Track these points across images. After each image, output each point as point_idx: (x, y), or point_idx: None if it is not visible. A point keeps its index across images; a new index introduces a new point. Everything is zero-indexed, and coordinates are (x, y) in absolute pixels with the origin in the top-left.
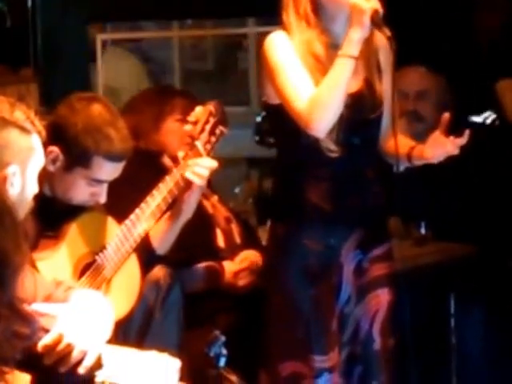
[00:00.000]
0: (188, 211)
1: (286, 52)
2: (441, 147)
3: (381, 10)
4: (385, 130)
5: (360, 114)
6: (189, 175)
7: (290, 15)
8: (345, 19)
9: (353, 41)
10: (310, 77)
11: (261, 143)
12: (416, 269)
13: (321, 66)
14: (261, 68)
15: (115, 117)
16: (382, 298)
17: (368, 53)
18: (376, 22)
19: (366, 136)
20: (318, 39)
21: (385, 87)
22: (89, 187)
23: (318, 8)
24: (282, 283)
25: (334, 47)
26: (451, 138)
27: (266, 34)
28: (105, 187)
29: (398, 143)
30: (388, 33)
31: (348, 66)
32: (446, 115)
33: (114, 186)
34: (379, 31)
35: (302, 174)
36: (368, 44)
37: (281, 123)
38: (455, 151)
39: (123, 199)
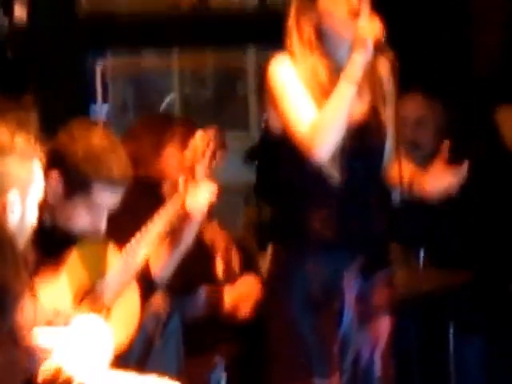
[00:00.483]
0: (188, 239)
1: (288, 77)
2: (441, 181)
3: (383, 35)
4: (388, 157)
5: (365, 141)
6: (187, 201)
7: (293, 42)
8: (348, 44)
9: (355, 65)
10: (314, 102)
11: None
12: (415, 296)
13: (325, 92)
14: (265, 93)
15: (115, 144)
16: (383, 325)
17: (373, 80)
18: (378, 47)
19: (370, 163)
20: (322, 64)
21: (388, 114)
22: (89, 215)
23: (321, 34)
24: (284, 309)
25: (337, 72)
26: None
27: (266, 61)
28: (105, 215)
29: (401, 170)
30: (391, 56)
31: (350, 90)
32: (446, 143)
33: (113, 215)
34: (382, 55)
35: (305, 201)
36: (373, 71)
37: (284, 150)
38: (456, 185)
39: (123, 228)
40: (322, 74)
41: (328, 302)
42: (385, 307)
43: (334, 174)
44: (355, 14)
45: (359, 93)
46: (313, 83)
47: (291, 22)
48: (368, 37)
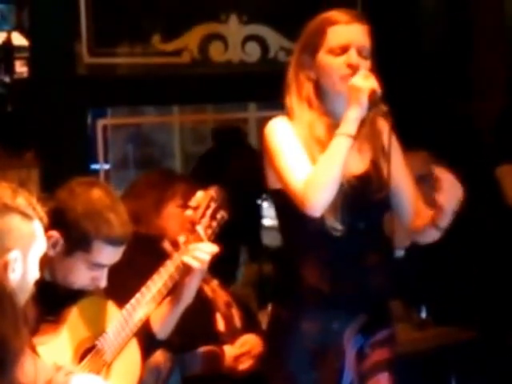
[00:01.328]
0: (188, 296)
1: (285, 136)
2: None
3: (379, 90)
4: (409, 208)
5: (366, 196)
6: (187, 259)
7: (292, 99)
8: (346, 100)
9: (350, 120)
10: (312, 159)
11: None
12: (417, 353)
13: (323, 148)
14: (263, 154)
15: (115, 201)
16: (383, 382)
17: (373, 135)
18: (373, 101)
19: (371, 219)
20: (320, 120)
21: (394, 167)
22: (89, 271)
23: (320, 91)
24: (283, 367)
25: (336, 128)
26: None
27: (267, 118)
28: (105, 271)
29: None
30: (384, 108)
31: (345, 144)
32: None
33: (114, 271)
34: (376, 108)
35: (302, 257)
36: (372, 126)
37: (283, 207)
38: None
39: (124, 284)
40: (321, 130)
41: (328, 360)
42: (385, 364)
43: (338, 227)
44: (354, 70)
45: (359, 148)
46: (311, 140)
47: (290, 78)
48: (362, 92)
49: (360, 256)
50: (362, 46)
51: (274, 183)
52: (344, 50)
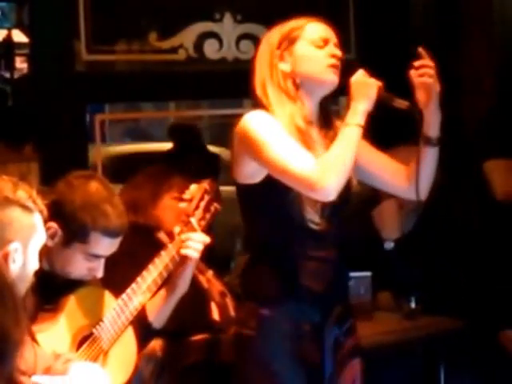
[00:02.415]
0: (183, 285)
1: (272, 126)
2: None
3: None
4: (391, 169)
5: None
6: (186, 252)
7: (269, 92)
8: (319, 97)
9: (359, 111)
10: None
11: None
12: (406, 342)
13: (304, 139)
14: (232, 148)
15: (111, 194)
16: (356, 367)
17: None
18: (383, 96)
19: (340, 215)
20: (299, 113)
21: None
22: (86, 262)
23: (297, 83)
24: (266, 366)
25: (308, 123)
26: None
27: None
28: (102, 262)
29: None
30: (406, 102)
31: (357, 133)
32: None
33: (111, 259)
34: (392, 104)
35: (279, 252)
36: (334, 129)
37: (255, 201)
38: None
39: (120, 272)
40: (300, 120)
41: (309, 355)
42: (356, 350)
43: (316, 220)
44: (338, 60)
45: (327, 147)
46: (293, 130)
47: (262, 72)
48: (371, 86)
49: (334, 249)
50: (336, 45)
51: (245, 178)
52: (325, 42)
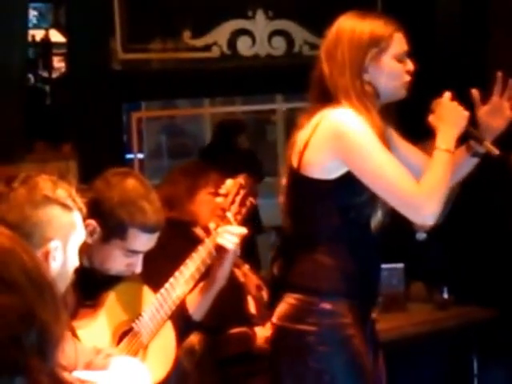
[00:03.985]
0: (222, 279)
1: (371, 134)
2: (496, 113)
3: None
4: (422, 162)
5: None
6: (222, 241)
7: (353, 101)
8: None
9: (451, 137)
10: None
11: None
12: (439, 332)
13: (383, 135)
14: (319, 142)
15: (148, 190)
16: (382, 359)
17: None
18: (473, 134)
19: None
20: (379, 117)
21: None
22: (125, 258)
23: (378, 92)
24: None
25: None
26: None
27: (294, 109)
28: (140, 258)
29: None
30: (497, 151)
31: (450, 159)
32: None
33: (149, 256)
34: (480, 145)
35: (334, 245)
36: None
37: (325, 198)
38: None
39: (158, 267)
40: (383, 127)
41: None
42: (380, 344)
43: (378, 222)
44: (409, 73)
45: None
46: (379, 138)
47: (346, 80)
48: (465, 118)
49: (376, 243)
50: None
51: (320, 174)
52: (405, 56)
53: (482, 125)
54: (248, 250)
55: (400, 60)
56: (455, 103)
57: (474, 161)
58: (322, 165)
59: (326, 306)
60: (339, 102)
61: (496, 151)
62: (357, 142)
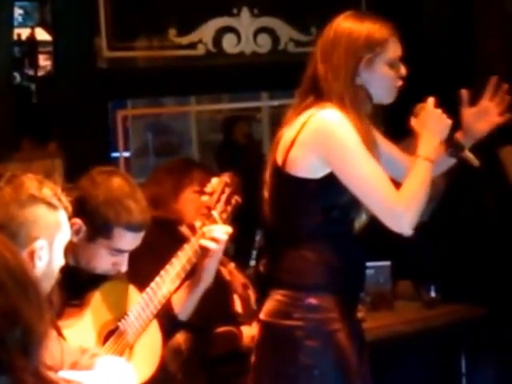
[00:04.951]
0: (207, 278)
1: (358, 140)
2: (482, 117)
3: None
4: (404, 161)
5: None
6: (204, 242)
7: (347, 104)
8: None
9: (432, 146)
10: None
11: None
12: (426, 331)
13: (372, 140)
14: (305, 141)
15: (134, 189)
16: (367, 358)
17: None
18: (455, 143)
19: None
20: (368, 122)
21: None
22: (111, 257)
23: (370, 96)
24: (314, 368)
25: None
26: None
27: (279, 107)
28: (126, 257)
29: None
30: (477, 162)
31: (430, 168)
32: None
33: (134, 255)
34: (460, 154)
35: (319, 242)
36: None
37: (310, 197)
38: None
39: (144, 266)
40: (372, 133)
41: (347, 340)
42: (365, 341)
43: (362, 221)
44: (400, 78)
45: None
46: (367, 144)
47: (340, 82)
48: (448, 127)
49: (361, 239)
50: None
51: (305, 173)
52: (398, 61)
53: (465, 126)
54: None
55: (393, 65)
56: (439, 111)
57: (452, 160)
58: (307, 164)
59: (312, 300)
60: (330, 103)
61: (476, 162)
62: (342, 144)
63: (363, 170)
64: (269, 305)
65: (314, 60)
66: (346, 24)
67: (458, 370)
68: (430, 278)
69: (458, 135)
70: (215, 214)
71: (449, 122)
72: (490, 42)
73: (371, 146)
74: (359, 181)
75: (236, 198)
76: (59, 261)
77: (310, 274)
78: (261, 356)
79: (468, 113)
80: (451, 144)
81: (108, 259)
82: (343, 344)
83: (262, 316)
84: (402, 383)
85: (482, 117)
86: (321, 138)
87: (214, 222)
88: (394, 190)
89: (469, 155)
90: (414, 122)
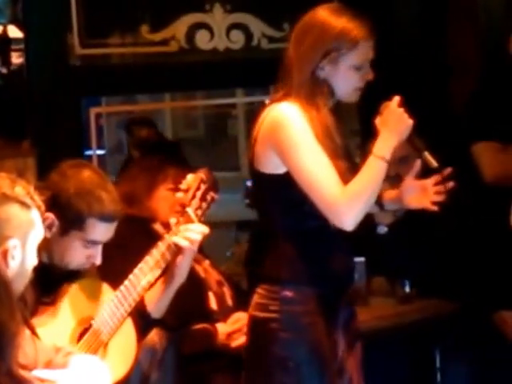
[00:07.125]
0: (181, 275)
1: (306, 132)
2: (418, 192)
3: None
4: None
5: None
6: (177, 240)
7: (303, 95)
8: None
9: (389, 146)
10: (322, 148)
11: (251, 206)
12: (401, 326)
13: (330, 133)
14: (263, 136)
15: (104, 180)
16: (359, 351)
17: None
18: (415, 144)
19: None
20: (328, 116)
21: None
22: (85, 249)
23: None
24: (290, 359)
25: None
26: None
27: (254, 103)
28: (99, 249)
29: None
30: (436, 163)
31: (384, 169)
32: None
33: (108, 252)
34: (420, 155)
35: (296, 237)
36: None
37: (278, 192)
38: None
39: (117, 264)
40: (330, 126)
41: (330, 334)
42: (358, 333)
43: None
44: (364, 80)
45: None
46: (323, 137)
47: (301, 74)
48: (408, 127)
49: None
50: (372, 61)
51: (269, 168)
52: (366, 65)
53: (401, 191)
54: None
55: (358, 68)
56: (401, 110)
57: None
58: (268, 159)
59: (288, 293)
60: (289, 97)
61: (435, 163)
62: (290, 137)
63: (308, 164)
64: (253, 299)
65: (288, 47)
66: (323, 14)
67: (433, 364)
68: (405, 274)
69: (390, 194)
70: (190, 211)
71: (410, 122)
72: (463, 38)
73: (328, 138)
74: (303, 175)
75: (211, 195)
76: (32, 260)
77: (286, 267)
78: (246, 348)
79: (409, 182)
80: (411, 145)
81: (82, 252)
82: (317, 337)
83: (249, 310)
84: (377, 379)
85: (420, 192)
86: (273, 133)
87: (189, 218)
88: (338, 186)
89: (428, 157)
90: (377, 120)
